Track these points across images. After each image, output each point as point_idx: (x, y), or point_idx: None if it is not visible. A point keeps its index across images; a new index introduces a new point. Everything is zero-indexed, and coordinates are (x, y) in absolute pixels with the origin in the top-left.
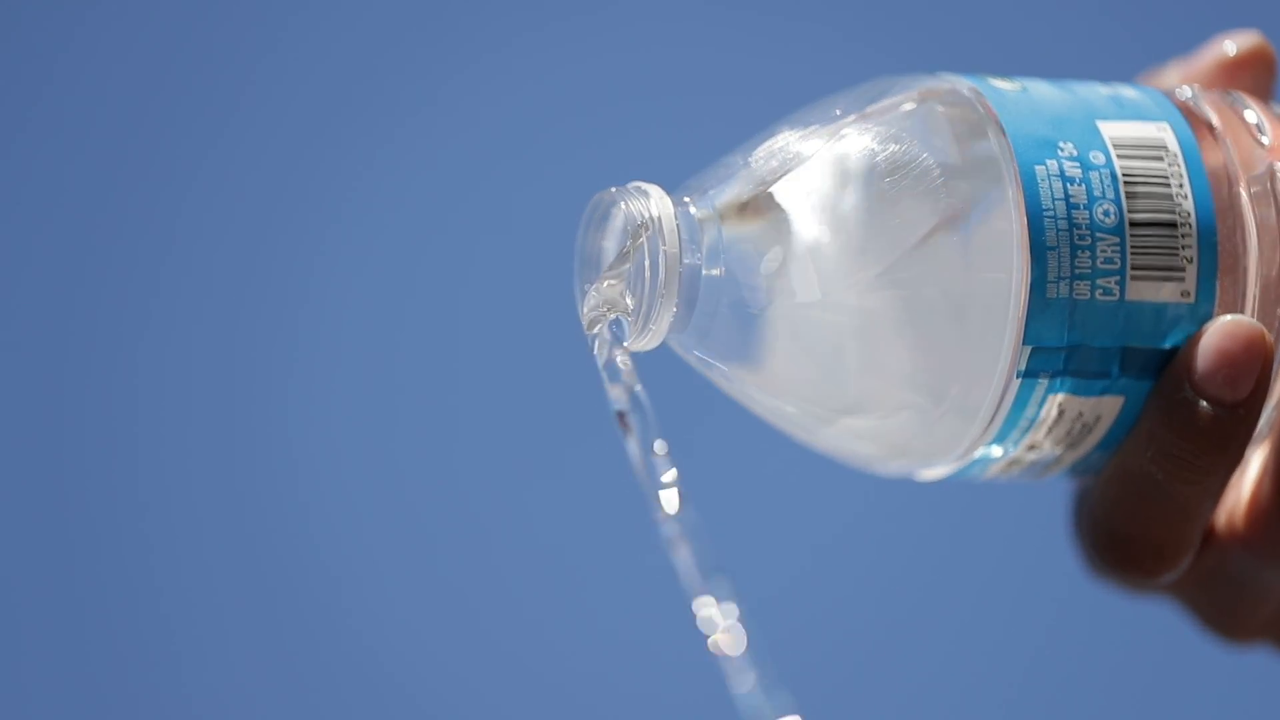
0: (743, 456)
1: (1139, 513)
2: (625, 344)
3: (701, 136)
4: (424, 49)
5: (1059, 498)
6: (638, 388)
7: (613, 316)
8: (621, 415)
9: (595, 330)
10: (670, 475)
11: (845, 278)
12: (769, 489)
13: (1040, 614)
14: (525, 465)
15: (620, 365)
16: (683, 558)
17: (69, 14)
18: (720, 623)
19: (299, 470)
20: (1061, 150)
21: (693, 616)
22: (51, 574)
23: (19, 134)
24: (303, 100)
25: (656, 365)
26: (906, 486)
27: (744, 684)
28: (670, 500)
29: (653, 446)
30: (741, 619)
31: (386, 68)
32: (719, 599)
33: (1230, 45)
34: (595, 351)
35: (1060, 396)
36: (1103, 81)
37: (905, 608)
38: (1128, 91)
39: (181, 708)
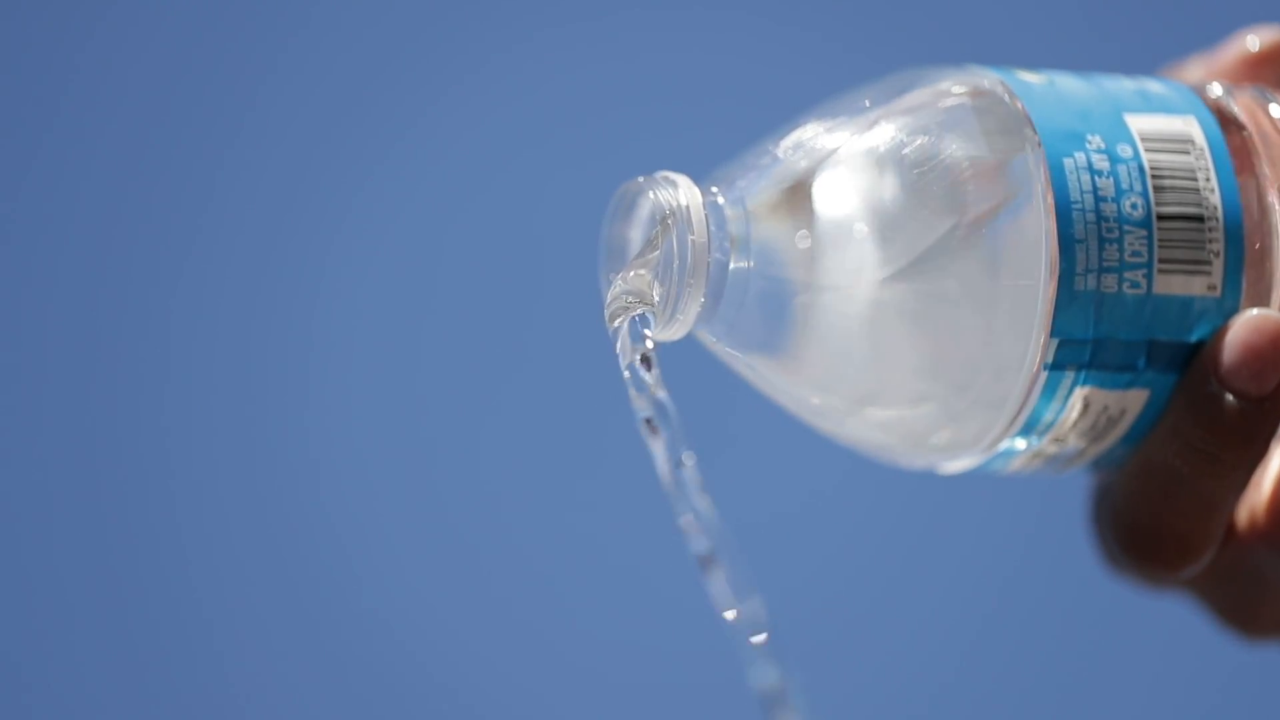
0: (766, 449)
1: (1162, 506)
2: (649, 336)
3: (726, 129)
4: (443, 47)
5: (1077, 491)
6: (663, 393)
7: (637, 311)
8: (648, 421)
9: (617, 323)
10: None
11: (873, 270)
12: (792, 481)
13: (1054, 609)
14: (549, 463)
15: (644, 373)
16: (716, 578)
17: (76, 19)
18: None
19: (319, 470)
20: (1089, 143)
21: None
22: (74, 570)
23: (27, 137)
24: (316, 101)
25: (680, 356)
26: (928, 479)
27: (767, 685)
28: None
29: (680, 453)
30: (769, 638)
31: (404, 68)
32: (751, 624)
33: (1253, 40)
34: (619, 351)
35: (1086, 389)
36: (1128, 75)
37: (920, 602)
38: (1153, 86)
39: (206, 705)
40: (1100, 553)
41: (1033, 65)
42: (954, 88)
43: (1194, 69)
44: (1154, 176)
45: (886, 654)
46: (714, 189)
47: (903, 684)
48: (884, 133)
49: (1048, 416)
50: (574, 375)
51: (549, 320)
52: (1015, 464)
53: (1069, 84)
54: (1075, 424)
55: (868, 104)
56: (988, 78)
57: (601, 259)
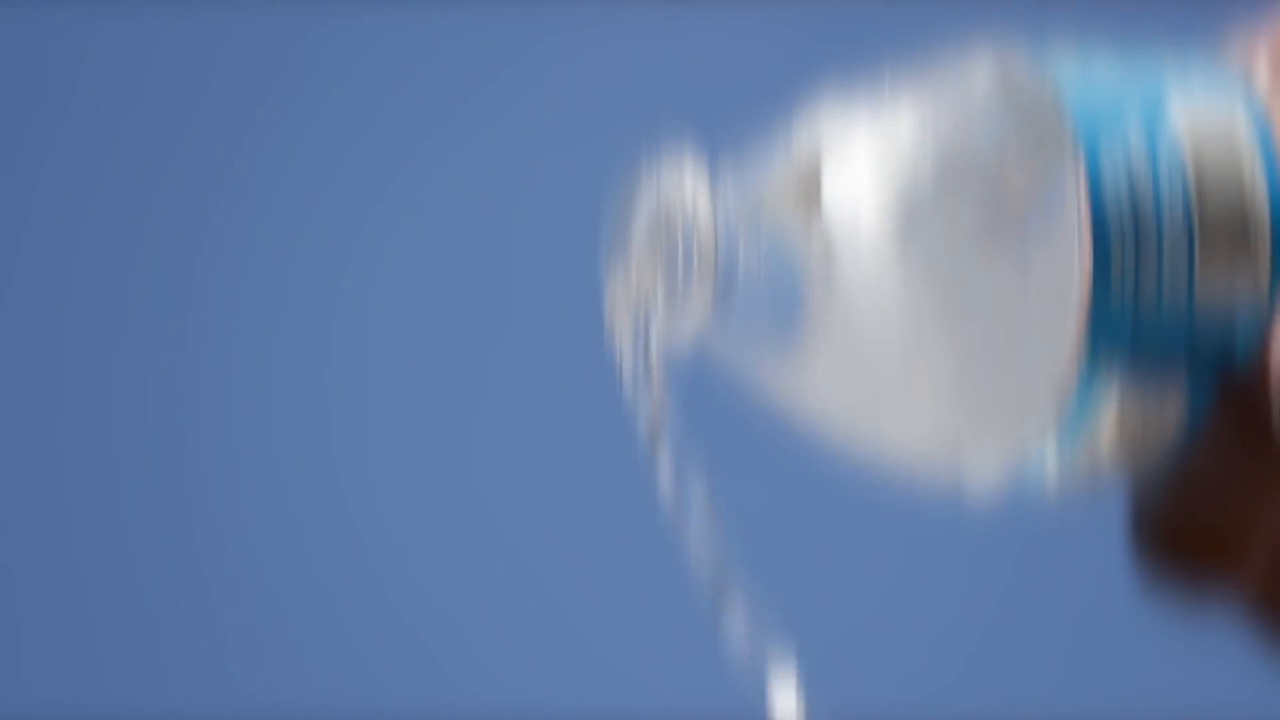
0: (779, 459)
1: (1200, 509)
2: (654, 341)
3: (737, 116)
4: (426, 16)
5: (1114, 521)
6: (668, 400)
7: (641, 311)
8: (651, 430)
9: (619, 325)
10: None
11: (895, 269)
12: (805, 492)
13: (1087, 642)
14: (545, 469)
15: (649, 378)
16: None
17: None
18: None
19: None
20: (1128, 137)
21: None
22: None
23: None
24: (300, 91)
25: (685, 358)
26: (946, 504)
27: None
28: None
29: (685, 464)
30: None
31: (386, 41)
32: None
33: None
34: (620, 355)
35: (1122, 398)
36: (1170, 57)
37: (940, 627)
38: (1197, 71)
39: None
40: (1136, 564)
41: (1069, 41)
42: (984, 73)
43: (1239, 49)
44: (1196, 173)
45: (902, 684)
46: (723, 180)
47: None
48: (907, 122)
49: (1081, 426)
50: (573, 379)
51: (547, 321)
52: (1047, 480)
53: (1108, 67)
54: (1110, 434)
55: (890, 89)
56: (1020, 61)
57: (603, 255)
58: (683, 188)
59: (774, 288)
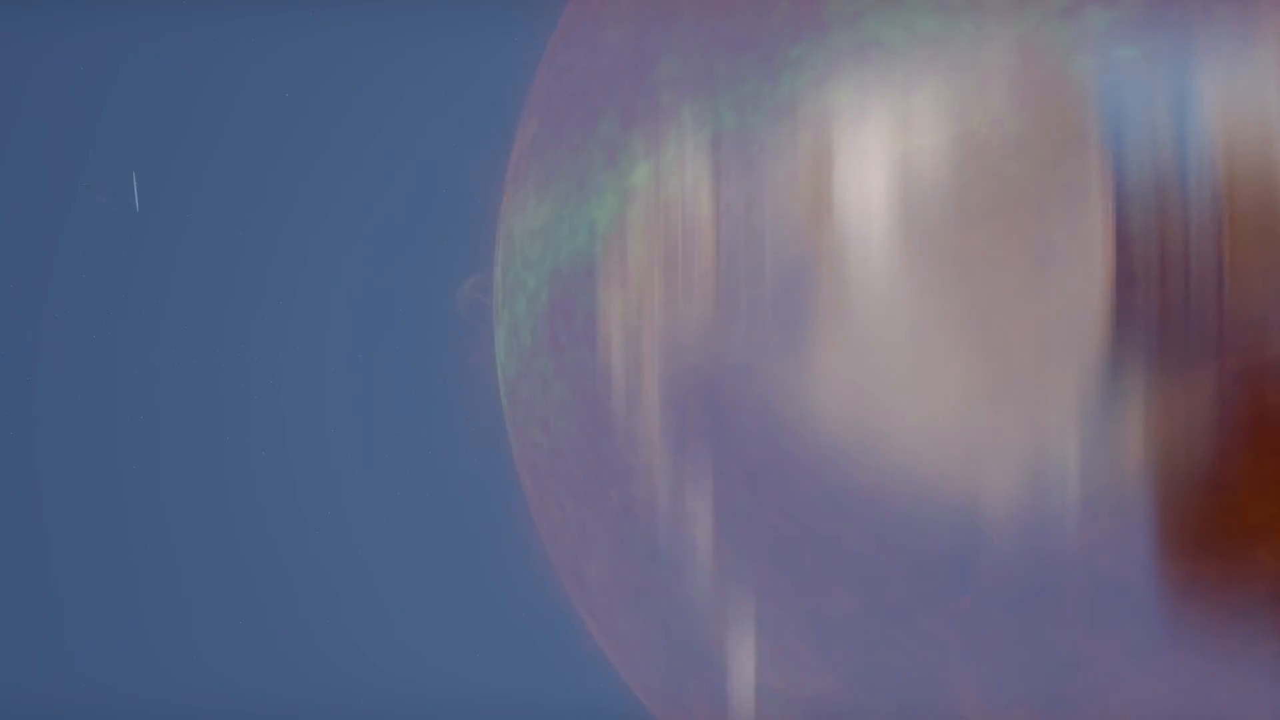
0: (780, 464)
1: (1230, 518)
2: (654, 342)
3: (740, 112)
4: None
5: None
6: (669, 406)
7: (637, 317)
8: (649, 433)
9: (615, 327)
10: None
11: (907, 266)
12: (806, 503)
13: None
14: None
15: (649, 381)
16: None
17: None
18: None
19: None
20: (1158, 128)
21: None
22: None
23: None
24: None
25: (689, 363)
26: (961, 510)
27: None
28: None
29: (685, 468)
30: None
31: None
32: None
33: None
34: (616, 361)
35: (1144, 397)
36: (1201, 45)
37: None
38: (1230, 59)
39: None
40: (1160, 573)
41: (1095, 29)
42: (1008, 54)
43: (1273, 36)
44: (1226, 166)
45: (908, 688)
46: (726, 170)
47: None
48: (922, 114)
49: (1104, 429)
50: (570, 379)
51: (543, 319)
52: (1068, 490)
53: (1139, 55)
54: (1135, 437)
55: (905, 74)
56: (1043, 50)
57: (600, 254)
58: (684, 176)
59: (780, 287)
